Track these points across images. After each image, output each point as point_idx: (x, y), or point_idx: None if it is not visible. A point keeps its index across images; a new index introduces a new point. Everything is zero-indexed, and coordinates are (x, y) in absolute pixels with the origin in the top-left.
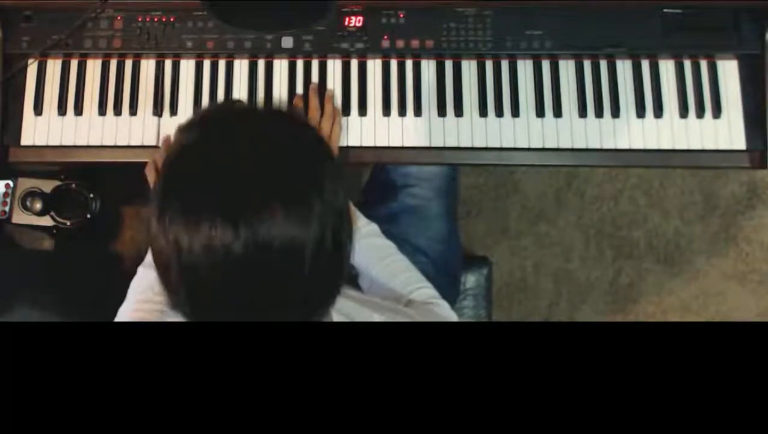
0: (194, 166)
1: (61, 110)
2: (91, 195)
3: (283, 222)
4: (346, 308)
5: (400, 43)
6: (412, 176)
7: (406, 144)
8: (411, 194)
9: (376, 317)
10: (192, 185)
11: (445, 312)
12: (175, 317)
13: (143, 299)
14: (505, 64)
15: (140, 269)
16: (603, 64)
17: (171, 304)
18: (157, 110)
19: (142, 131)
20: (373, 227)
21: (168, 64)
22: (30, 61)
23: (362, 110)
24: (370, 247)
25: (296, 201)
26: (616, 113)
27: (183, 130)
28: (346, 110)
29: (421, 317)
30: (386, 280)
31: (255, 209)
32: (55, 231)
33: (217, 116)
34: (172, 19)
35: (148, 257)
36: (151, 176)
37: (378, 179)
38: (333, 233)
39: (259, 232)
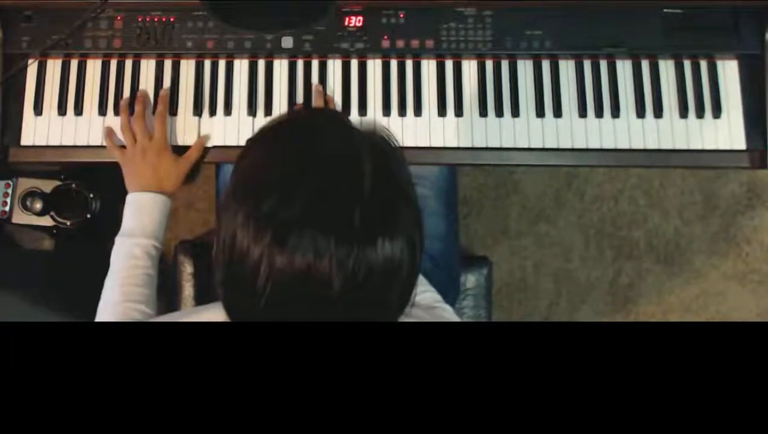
0: (297, 180)
1: (61, 109)
2: (91, 195)
3: (388, 250)
4: None
5: (400, 43)
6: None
7: (406, 144)
8: None
9: None
10: (296, 201)
11: (450, 316)
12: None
13: (129, 265)
14: (505, 64)
15: (118, 239)
16: (603, 64)
17: (241, 315)
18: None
19: None
20: None
21: (168, 64)
22: (30, 61)
23: (362, 110)
24: None
25: (402, 229)
26: (616, 113)
27: (287, 131)
28: (346, 110)
29: (428, 319)
30: None
31: (368, 240)
32: (55, 231)
33: (323, 126)
34: (172, 19)
35: (125, 226)
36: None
37: None
38: (419, 248)
39: (365, 260)
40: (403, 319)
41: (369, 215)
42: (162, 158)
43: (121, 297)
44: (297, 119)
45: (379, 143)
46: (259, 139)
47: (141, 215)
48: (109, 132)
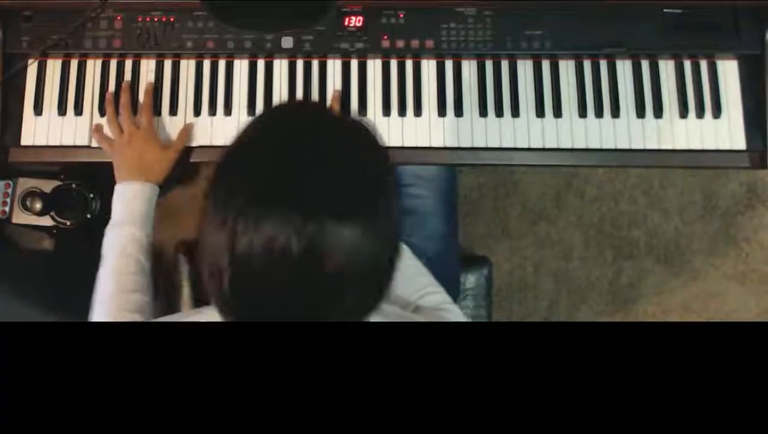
0: (264, 159)
1: (61, 109)
2: (91, 195)
3: (348, 232)
4: None
5: (400, 43)
6: (409, 175)
7: (406, 144)
8: (408, 194)
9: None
10: (261, 178)
11: (455, 318)
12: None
13: (120, 254)
14: (505, 64)
15: (108, 230)
16: (603, 64)
17: (216, 301)
18: (157, 110)
19: None
20: None
21: (168, 64)
22: (30, 61)
23: (362, 110)
24: None
25: (365, 213)
26: (616, 112)
27: (258, 123)
28: (346, 110)
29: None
30: (395, 286)
31: (325, 214)
32: (55, 231)
33: (293, 113)
34: (172, 19)
35: (114, 216)
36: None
37: None
38: (389, 251)
39: (323, 236)
40: (402, 321)
41: (329, 194)
42: (149, 146)
43: (115, 287)
44: (272, 115)
45: (357, 131)
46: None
47: (129, 205)
48: (97, 128)
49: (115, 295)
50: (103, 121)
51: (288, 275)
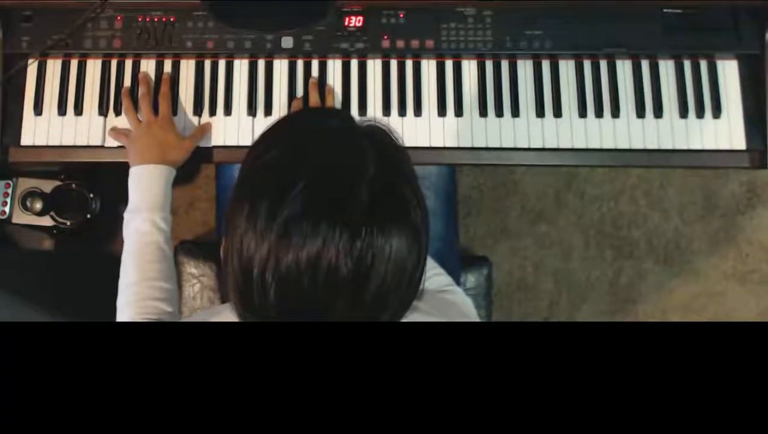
0: (308, 173)
1: (61, 109)
2: (91, 195)
3: (393, 243)
4: None
5: (400, 43)
6: None
7: (406, 144)
8: None
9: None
10: (306, 193)
11: (458, 298)
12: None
13: (140, 242)
14: (505, 64)
15: (126, 215)
16: (603, 64)
17: (244, 307)
18: (158, 110)
19: None
20: None
21: (168, 64)
22: (30, 61)
23: (362, 110)
24: None
25: (406, 220)
26: (616, 112)
27: (288, 134)
28: (346, 110)
29: (432, 309)
30: None
31: (372, 230)
32: (55, 231)
33: (322, 121)
34: (172, 19)
35: (130, 201)
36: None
37: None
38: (425, 251)
39: (371, 253)
40: (411, 315)
41: (374, 202)
42: (167, 132)
43: (137, 276)
44: (294, 118)
45: (380, 136)
46: (258, 142)
47: (145, 188)
48: (113, 127)
49: (137, 284)
50: (103, 121)
51: (334, 291)
